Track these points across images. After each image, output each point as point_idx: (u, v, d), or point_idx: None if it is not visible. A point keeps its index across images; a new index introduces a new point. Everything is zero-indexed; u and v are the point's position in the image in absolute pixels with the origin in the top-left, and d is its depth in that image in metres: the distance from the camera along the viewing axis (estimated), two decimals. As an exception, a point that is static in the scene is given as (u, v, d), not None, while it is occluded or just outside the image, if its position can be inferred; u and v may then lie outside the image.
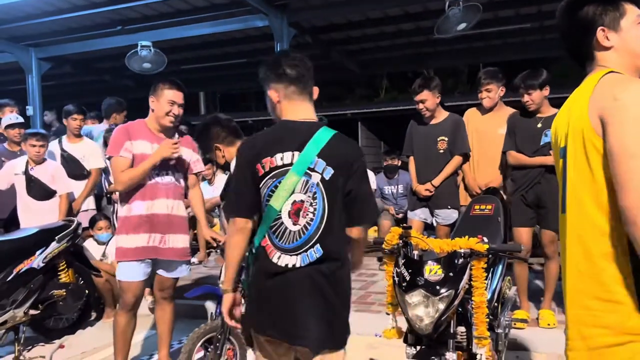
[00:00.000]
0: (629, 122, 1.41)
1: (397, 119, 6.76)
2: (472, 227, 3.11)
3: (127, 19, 7.20)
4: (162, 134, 3.34)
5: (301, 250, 1.96)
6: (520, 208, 4.08)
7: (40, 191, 4.84)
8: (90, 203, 5.48)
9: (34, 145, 4.76)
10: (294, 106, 2.06)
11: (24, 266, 4.02)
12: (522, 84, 3.97)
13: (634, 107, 1.42)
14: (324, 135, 1.99)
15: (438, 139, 4.41)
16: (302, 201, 1.97)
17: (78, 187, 5.27)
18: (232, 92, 14.63)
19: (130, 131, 3.29)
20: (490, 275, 2.91)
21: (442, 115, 4.47)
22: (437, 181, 4.38)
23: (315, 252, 1.96)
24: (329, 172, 1.96)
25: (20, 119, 5.51)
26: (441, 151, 4.41)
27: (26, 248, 4.08)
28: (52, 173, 4.90)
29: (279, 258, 1.99)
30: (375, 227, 6.45)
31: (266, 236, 2.02)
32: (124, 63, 7.29)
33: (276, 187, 1.97)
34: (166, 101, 3.25)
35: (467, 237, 2.42)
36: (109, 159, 3.36)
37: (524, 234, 4.08)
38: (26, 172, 4.81)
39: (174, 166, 3.37)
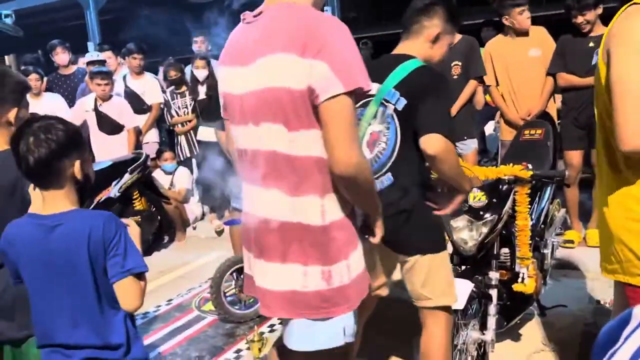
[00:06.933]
0: (629, 54, 1.39)
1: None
2: (521, 153, 3.16)
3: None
4: None
5: (375, 177, 1.95)
6: (571, 130, 4.03)
7: (109, 126, 5.20)
8: (153, 136, 5.81)
9: (99, 84, 5.05)
10: (400, 43, 2.16)
11: (103, 196, 4.45)
12: (576, 4, 3.78)
13: (635, 38, 1.39)
14: (407, 67, 1.99)
15: (452, 65, 4.15)
16: (379, 131, 2.01)
17: (140, 121, 5.58)
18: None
19: None
20: (537, 199, 2.99)
21: (454, 38, 4.24)
22: (452, 110, 4.10)
23: (386, 180, 2.00)
24: (401, 103, 1.96)
25: (101, 56, 5.95)
26: (455, 77, 4.17)
27: (103, 180, 4.48)
28: (119, 108, 5.22)
29: None
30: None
31: None
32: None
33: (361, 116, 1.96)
34: None
35: (511, 164, 2.51)
36: None
37: (575, 157, 4.06)
38: (95, 109, 5.16)
39: None
